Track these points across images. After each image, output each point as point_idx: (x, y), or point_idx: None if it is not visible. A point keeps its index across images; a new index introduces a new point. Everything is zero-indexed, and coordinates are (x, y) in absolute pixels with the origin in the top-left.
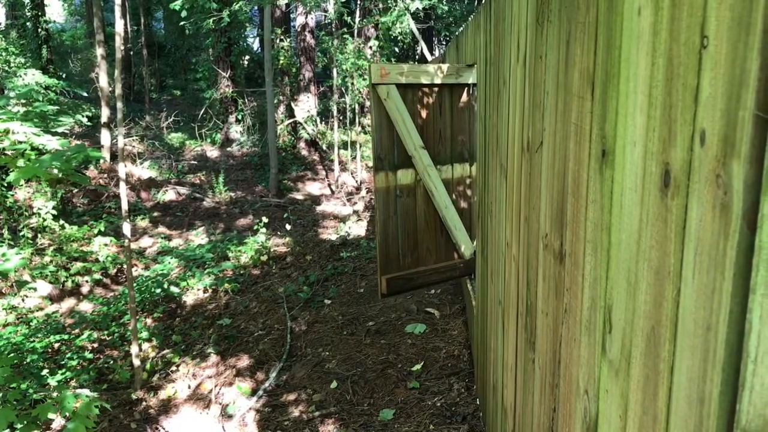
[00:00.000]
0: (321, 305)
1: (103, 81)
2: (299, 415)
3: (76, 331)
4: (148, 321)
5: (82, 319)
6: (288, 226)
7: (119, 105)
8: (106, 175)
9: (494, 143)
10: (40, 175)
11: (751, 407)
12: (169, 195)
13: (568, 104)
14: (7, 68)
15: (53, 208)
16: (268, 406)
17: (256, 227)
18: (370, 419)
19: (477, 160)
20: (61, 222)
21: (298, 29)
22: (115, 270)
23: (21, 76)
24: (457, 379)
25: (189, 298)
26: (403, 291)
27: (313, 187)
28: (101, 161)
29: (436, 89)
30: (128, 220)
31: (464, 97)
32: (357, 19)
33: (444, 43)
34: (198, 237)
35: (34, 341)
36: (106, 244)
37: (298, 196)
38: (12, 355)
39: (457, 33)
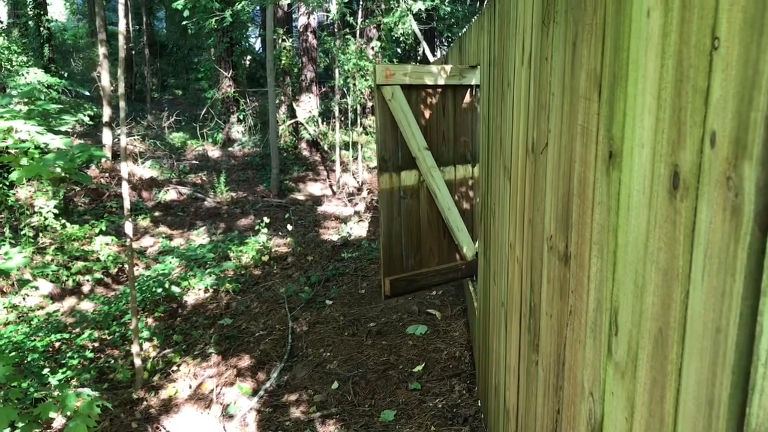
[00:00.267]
0: (322, 306)
1: (105, 80)
2: (300, 415)
3: (77, 330)
4: (149, 320)
5: (83, 318)
6: (289, 227)
7: (122, 104)
8: (107, 175)
9: (498, 144)
10: (44, 174)
11: (761, 410)
12: (170, 195)
13: (574, 106)
14: (9, 67)
15: (55, 207)
16: (269, 406)
17: (257, 227)
18: (371, 420)
19: (480, 161)
20: (63, 221)
21: (301, 29)
22: (116, 269)
23: (23, 75)
24: (459, 380)
25: (190, 298)
26: (406, 293)
27: (315, 188)
28: (103, 160)
29: (439, 90)
30: (130, 219)
31: (467, 99)
32: (359, 20)
33: (446, 44)
34: (199, 237)
35: (35, 340)
36: (107, 244)
37: (300, 197)
38: (13, 353)
39: (460, 34)
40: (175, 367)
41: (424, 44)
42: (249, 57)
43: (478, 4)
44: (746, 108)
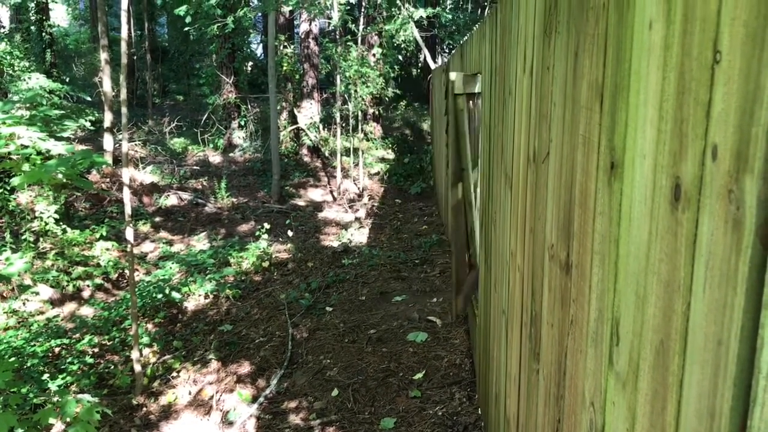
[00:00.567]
0: (322, 312)
1: (107, 85)
2: (300, 422)
3: (77, 335)
4: (149, 326)
5: (83, 324)
6: (290, 233)
7: (123, 110)
8: (108, 180)
9: (499, 153)
10: (45, 179)
11: (762, 423)
12: (171, 200)
13: (575, 116)
14: (11, 72)
15: (56, 212)
16: (268, 413)
17: (257, 233)
18: (371, 428)
19: (481, 169)
20: (63, 226)
21: (302, 36)
22: (117, 275)
23: (25, 80)
24: (459, 388)
25: (190, 304)
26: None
27: (315, 194)
28: (104, 166)
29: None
30: (131, 224)
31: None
32: (361, 27)
33: (447, 51)
34: (200, 242)
35: (34, 345)
36: (107, 249)
37: (300, 203)
38: (13, 359)
39: (461, 42)
40: (174, 373)
41: (426, 51)
42: (250, 63)
43: (479, 12)
44: (747, 122)
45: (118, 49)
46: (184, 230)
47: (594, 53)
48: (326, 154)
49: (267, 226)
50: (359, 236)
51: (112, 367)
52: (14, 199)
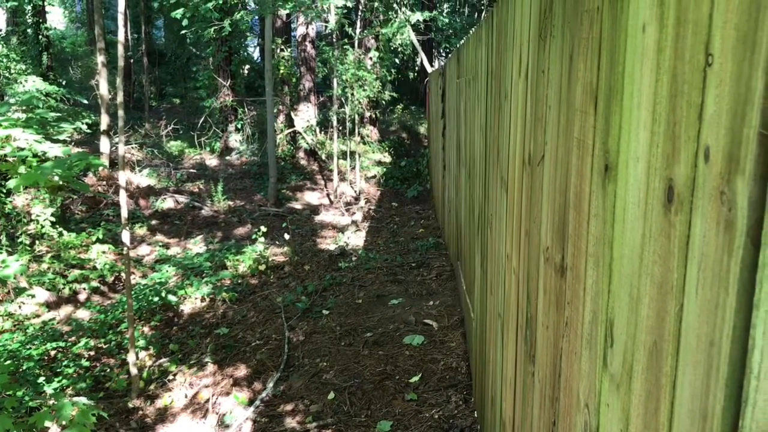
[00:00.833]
0: (319, 315)
1: (104, 88)
2: (296, 425)
3: (73, 338)
4: (146, 329)
5: (79, 327)
6: (286, 236)
7: (120, 113)
8: (105, 183)
9: (495, 155)
10: (41, 182)
11: (753, 423)
12: (167, 203)
13: (570, 119)
14: (7, 75)
15: (52, 214)
16: (265, 416)
17: (254, 236)
18: (367, 431)
19: (477, 172)
20: (60, 229)
21: (299, 39)
22: (113, 278)
23: (21, 83)
24: (455, 391)
25: (186, 307)
26: None
27: (312, 197)
28: (100, 168)
29: None
30: (127, 227)
31: None
32: (357, 30)
33: (444, 54)
34: (196, 246)
35: (30, 348)
36: (104, 252)
37: (297, 206)
38: (8, 362)
39: (458, 45)
40: (171, 377)
41: (422, 55)
42: (247, 66)
43: (476, 16)
44: (739, 124)
45: (115, 52)
46: (181, 233)
47: (588, 56)
48: (323, 157)
49: (264, 229)
50: (356, 239)
51: (108, 370)
52: (10, 201)
